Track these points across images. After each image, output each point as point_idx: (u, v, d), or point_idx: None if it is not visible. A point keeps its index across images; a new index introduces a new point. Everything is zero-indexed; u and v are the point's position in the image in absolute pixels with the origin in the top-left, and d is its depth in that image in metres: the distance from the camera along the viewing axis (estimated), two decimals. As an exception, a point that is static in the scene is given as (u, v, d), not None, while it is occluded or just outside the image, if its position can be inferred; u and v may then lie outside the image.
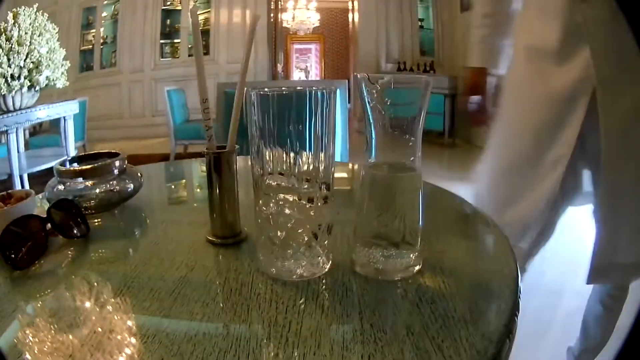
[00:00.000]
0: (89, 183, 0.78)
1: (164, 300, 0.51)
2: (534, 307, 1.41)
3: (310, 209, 0.53)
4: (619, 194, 1.05)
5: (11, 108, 2.66)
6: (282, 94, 0.51)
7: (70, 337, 0.46)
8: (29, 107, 2.77)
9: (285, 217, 0.53)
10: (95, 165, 0.80)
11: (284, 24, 9.58)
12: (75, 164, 0.83)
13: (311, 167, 0.52)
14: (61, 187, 0.78)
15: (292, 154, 0.52)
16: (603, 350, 1.34)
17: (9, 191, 0.73)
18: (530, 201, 1.16)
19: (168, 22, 6.89)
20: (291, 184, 0.53)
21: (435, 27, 6.81)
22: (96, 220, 0.77)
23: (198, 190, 1.07)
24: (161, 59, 6.90)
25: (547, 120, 1.10)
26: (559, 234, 1.25)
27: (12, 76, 2.53)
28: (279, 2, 8.00)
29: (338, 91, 0.56)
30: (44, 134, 5.03)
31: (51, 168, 0.80)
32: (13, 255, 0.60)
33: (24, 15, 2.60)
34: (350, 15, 8.77)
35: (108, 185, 0.79)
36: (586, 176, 1.15)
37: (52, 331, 0.47)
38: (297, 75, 12.65)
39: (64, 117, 3.13)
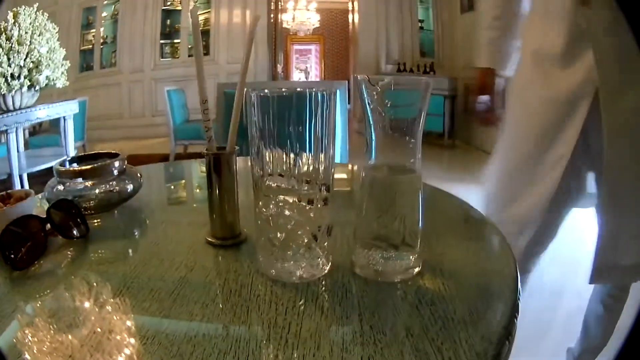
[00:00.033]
0: (88, 183, 0.78)
1: (163, 301, 0.51)
2: (533, 308, 1.42)
3: (310, 211, 0.53)
4: (621, 195, 1.05)
5: (11, 107, 2.66)
6: (282, 95, 0.51)
7: (70, 337, 0.46)
8: (28, 107, 2.77)
9: (285, 218, 0.53)
10: (95, 165, 0.79)
11: (284, 25, 9.59)
12: (75, 164, 0.83)
13: (311, 168, 0.52)
14: (61, 187, 0.78)
15: (292, 155, 0.52)
16: (603, 351, 1.34)
17: (9, 191, 0.73)
18: (531, 199, 1.18)
19: (168, 22, 6.89)
20: (291, 185, 0.53)
21: (436, 28, 6.81)
22: (96, 221, 0.77)
23: (197, 190, 1.07)
24: (161, 59, 6.91)
25: (550, 121, 1.12)
26: (559, 235, 1.26)
27: (12, 76, 2.53)
28: (279, 3, 8.00)
29: (338, 92, 0.56)
30: (43, 133, 5.04)
31: (51, 168, 0.80)
32: (12, 256, 0.60)
33: (24, 14, 2.60)
34: (350, 16, 8.77)
35: (108, 186, 0.79)
36: (590, 177, 1.16)
37: (52, 331, 0.47)
38: (297, 76, 12.66)
39: (64, 117, 3.12)
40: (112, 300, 0.53)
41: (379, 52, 6.95)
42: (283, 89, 0.51)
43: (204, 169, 0.67)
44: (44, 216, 0.66)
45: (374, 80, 0.51)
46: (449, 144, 5.94)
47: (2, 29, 2.49)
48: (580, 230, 1.31)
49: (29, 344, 0.45)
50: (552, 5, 1.11)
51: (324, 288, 0.54)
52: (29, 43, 2.59)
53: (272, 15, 7.17)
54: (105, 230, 0.76)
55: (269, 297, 0.52)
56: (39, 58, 2.64)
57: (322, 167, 0.53)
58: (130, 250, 0.70)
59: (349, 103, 5.56)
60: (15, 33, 2.53)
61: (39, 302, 0.54)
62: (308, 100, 0.51)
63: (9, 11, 2.55)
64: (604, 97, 1.01)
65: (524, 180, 1.20)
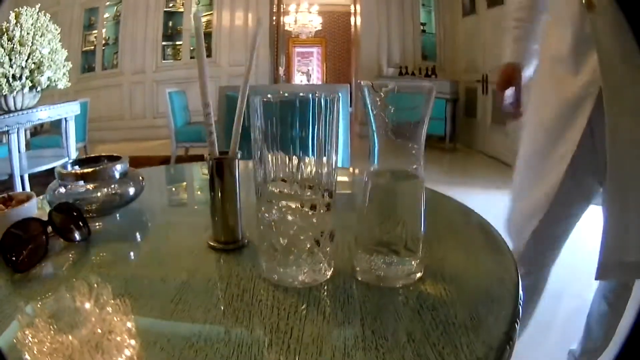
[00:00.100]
0: (90, 186, 0.78)
1: (165, 305, 0.51)
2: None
3: (312, 216, 0.53)
4: (627, 192, 1.07)
5: (12, 108, 2.66)
6: (285, 100, 0.51)
7: (71, 340, 0.46)
8: (30, 108, 2.77)
9: (287, 224, 0.53)
10: (97, 168, 0.79)
11: (286, 27, 9.62)
12: (76, 167, 0.83)
13: (314, 173, 0.52)
14: (62, 190, 0.78)
15: (295, 160, 0.52)
16: (604, 352, 1.35)
17: (10, 193, 0.73)
18: (537, 192, 1.25)
19: (170, 24, 6.91)
20: (294, 191, 0.53)
21: (437, 32, 6.83)
22: (97, 224, 0.77)
23: (199, 193, 1.07)
24: (163, 61, 6.92)
25: (558, 120, 1.19)
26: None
27: (13, 76, 2.53)
28: (281, 5, 8.01)
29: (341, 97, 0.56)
30: (45, 134, 5.04)
31: (52, 169, 0.80)
32: (14, 258, 0.60)
33: (26, 15, 2.60)
34: (352, 19, 8.78)
35: (109, 189, 0.79)
36: (597, 175, 1.20)
37: (53, 334, 0.47)
38: (298, 78, 12.68)
39: (65, 118, 3.13)
40: (113, 303, 0.53)
41: (380, 54, 6.96)
42: (286, 94, 0.51)
43: (205, 171, 0.67)
44: (46, 219, 0.66)
45: (377, 86, 0.51)
46: (450, 147, 5.94)
47: (4, 30, 2.50)
48: (579, 233, 1.32)
49: (30, 346, 0.45)
50: (563, 11, 1.18)
51: (326, 293, 0.54)
52: (30, 44, 2.59)
53: (274, 18, 7.18)
54: (107, 233, 0.76)
55: (271, 302, 0.52)
56: (41, 59, 2.65)
57: (325, 172, 0.53)
58: (131, 254, 0.70)
59: (350, 106, 5.56)
60: (17, 34, 2.53)
61: (41, 305, 0.54)
62: (311, 106, 0.51)
63: (10, 11, 2.55)
64: (607, 97, 1.05)
65: (534, 174, 1.29)
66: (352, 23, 8.74)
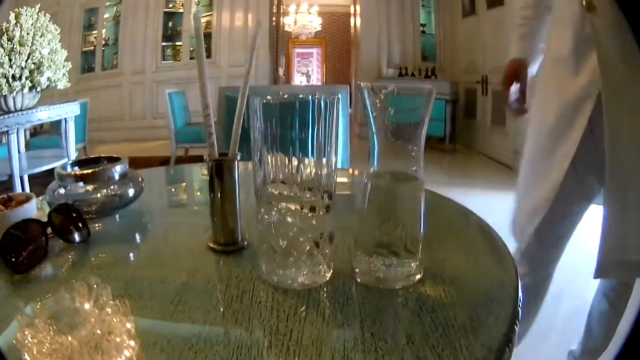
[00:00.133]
0: (90, 187, 0.78)
1: (165, 306, 0.51)
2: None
3: (312, 218, 0.53)
4: (627, 192, 1.07)
5: (12, 109, 2.65)
6: (284, 101, 0.51)
7: (71, 341, 0.46)
8: (30, 108, 2.76)
9: (287, 225, 0.53)
10: (97, 169, 0.79)
11: (286, 28, 9.62)
12: (76, 168, 0.83)
13: (313, 175, 0.52)
14: (62, 191, 0.78)
15: (294, 162, 0.52)
16: (604, 352, 1.35)
17: (10, 194, 0.73)
18: (540, 190, 1.27)
19: (170, 24, 6.92)
20: (293, 192, 0.53)
21: (437, 32, 6.83)
22: (97, 225, 0.77)
23: (199, 194, 1.07)
24: (162, 62, 6.92)
25: (559, 120, 1.21)
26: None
27: (13, 77, 2.53)
28: (281, 6, 8.01)
29: (340, 98, 0.56)
30: (44, 135, 5.04)
31: (52, 169, 0.80)
32: (13, 259, 0.60)
33: (26, 15, 2.60)
34: (352, 20, 8.79)
35: (109, 190, 0.79)
36: (597, 175, 1.20)
37: (53, 335, 0.47)
38: (298, 79, 12.68)
39: (65, 119, 3.12)
40: (113, 304, 0.53)
41: (380, 55, 6.96)
42: (286, 96, 0.51)
43: (205, 172, 0.67)
44: (45, 220, 0.66)
45: (377, 88, 0.51)
46: (450, 148, 5.95)
47: (4, 30, 2.50)
48: (579, 233, 1.32)
49: (29, 346, 0.45)
50: (564, 11, 1.19)
51: (325, 295, 0.54)
52: (30, 44, 2.59)
53: (273, 19, 7.18)
54: (107, 234, 0.76)
55: (270, 304, 0.52)
56: (41, 59, 2.64)
57: (325, 174, 0.53)
58: (131, 255, 0.70)
59: (350, 107, 5.56)
60: (17, 34, 2.53)
61: (40, 306, 0.54)
62: (311, 107, 0.51)
63: (10, 12, 2.55)
64: (606, 97, 1.06)
65: (537, 173, 1.31)
66: (352, 24, 8.75)
